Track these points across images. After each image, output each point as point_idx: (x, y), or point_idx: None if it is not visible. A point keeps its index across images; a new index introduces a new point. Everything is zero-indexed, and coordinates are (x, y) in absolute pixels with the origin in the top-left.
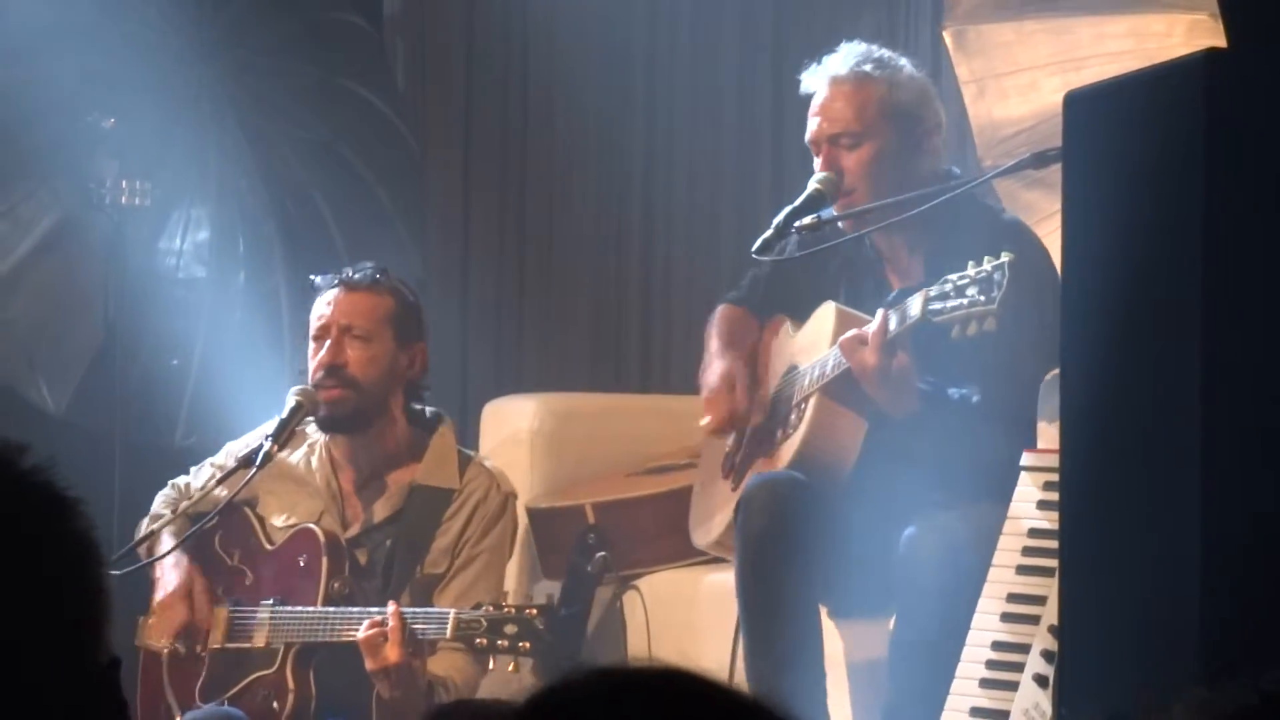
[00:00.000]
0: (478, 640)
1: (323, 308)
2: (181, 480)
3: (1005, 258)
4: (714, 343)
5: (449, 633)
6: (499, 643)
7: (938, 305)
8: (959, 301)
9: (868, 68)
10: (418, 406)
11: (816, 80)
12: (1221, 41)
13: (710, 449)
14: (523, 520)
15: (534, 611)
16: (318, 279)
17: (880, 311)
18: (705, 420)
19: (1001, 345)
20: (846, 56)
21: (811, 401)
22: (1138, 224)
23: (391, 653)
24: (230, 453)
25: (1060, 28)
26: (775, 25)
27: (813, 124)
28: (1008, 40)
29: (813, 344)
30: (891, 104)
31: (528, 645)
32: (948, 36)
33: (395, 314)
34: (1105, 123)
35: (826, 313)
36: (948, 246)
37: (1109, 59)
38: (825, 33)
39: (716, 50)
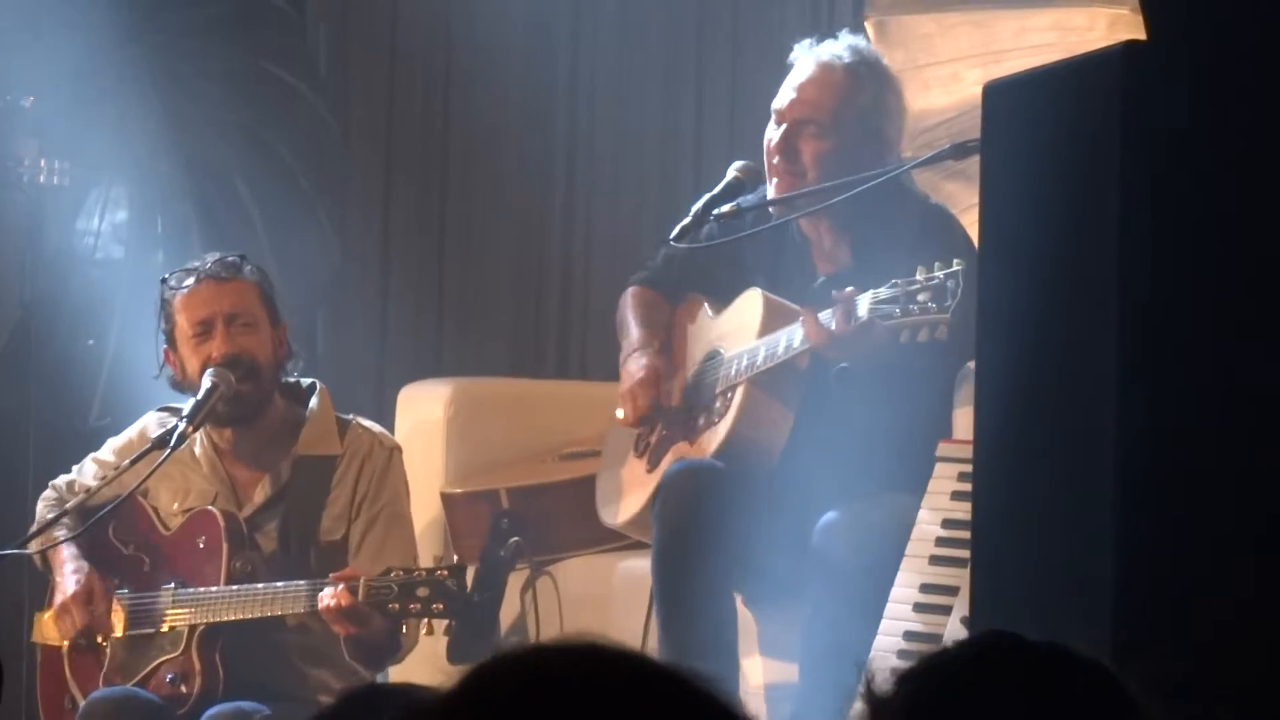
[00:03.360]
0: (390, 605)
1: (196, 303)
2: (62, 480)
3: (958, 265)
4: (632, 328)
5: (360, 599)
6: (411, 606)
7: (886, 308)
8: (910, 307)
9: (862, 69)
10: (291, 380)
11: (808, 57)
12: (1143, 36)
13: (617, 427)
14: (437, 504)
15: (445, 573)
16: (171, 278)
17: (836, 311)
18: (620, 413)
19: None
20: (844, 48)
21: (739, 391)
22: (1055, 214)
23: (352, 622)
24: (113, 448)
25: (982, 20)
26: (699, 13)
27: (787, 95)
28: (929, 32)
29: (738, 331)
30: (870, 112)
31: (441, 606)
32: (870, 27)
33: (265, 298)
34: (1024, 114)
35: (753, 300)
36: (875, 233)
37: (1031, 52)
38: (749, 22)
39: (641, 37)
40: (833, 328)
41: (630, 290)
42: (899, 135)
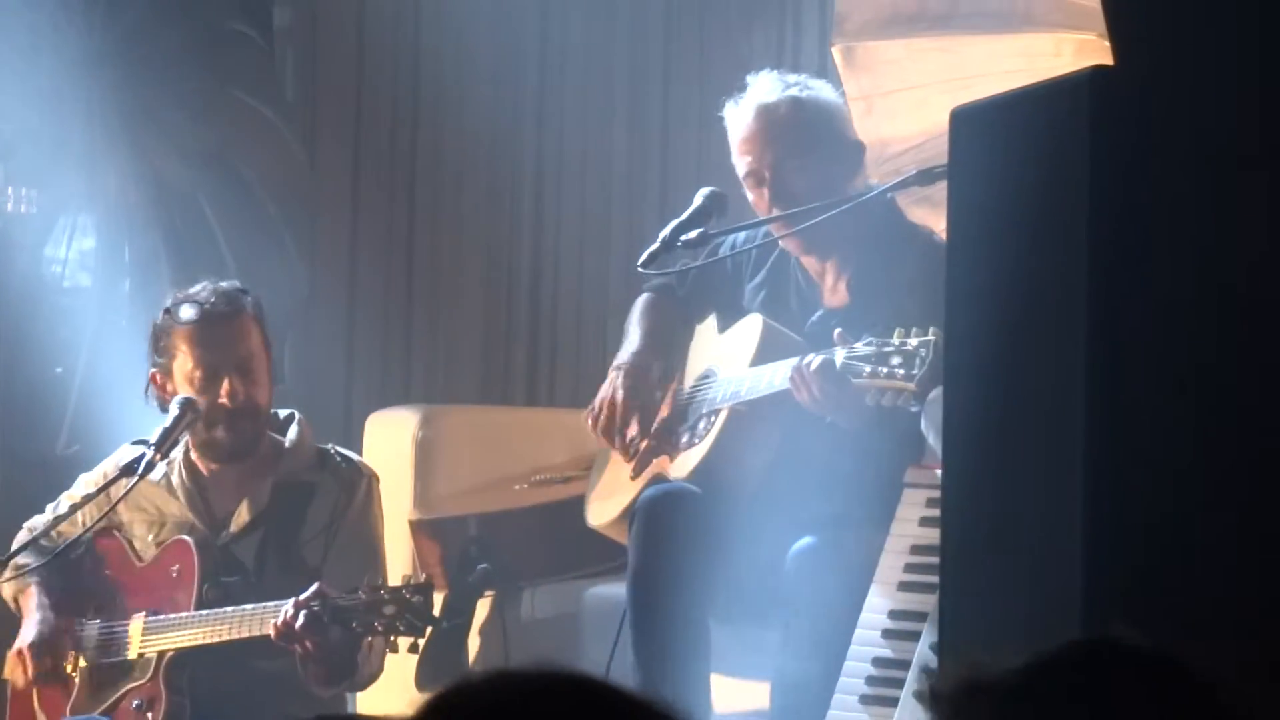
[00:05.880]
0: (354, 624)
1: (203, 342)
2: (37, 520)
3: (933, 335)
4: (632, 332)
5: (325, 618)
6: (375, 624)
7: (859, 366)
8: (879, 369)
9: (795, 91)
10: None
11: (742, 111)
12: (1110, 61)
13: None
14: (405, 531)
15: (411, 592)
16: (182, 303)
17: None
18: (589, 424)
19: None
20: (773, 84)
21: (721, 416)
22: (1022, 239)
23: (308, 642)
24: (86, 482)
25: (950, 46)
26: (665, 41)
27: (752, 155)
28: (897, 57)
29: (734, 355)
30: (829, 125)
31: (405, 624)
32: (837, 53)
33: (261, 331)
34: (991, 138)
35: (753, 326)
36: (874, 270)
37: (999, 78)
38: (715, 49)
39: (608, 66)
40: (810, 380)
41: (641, 297)
42: (859, 139)
